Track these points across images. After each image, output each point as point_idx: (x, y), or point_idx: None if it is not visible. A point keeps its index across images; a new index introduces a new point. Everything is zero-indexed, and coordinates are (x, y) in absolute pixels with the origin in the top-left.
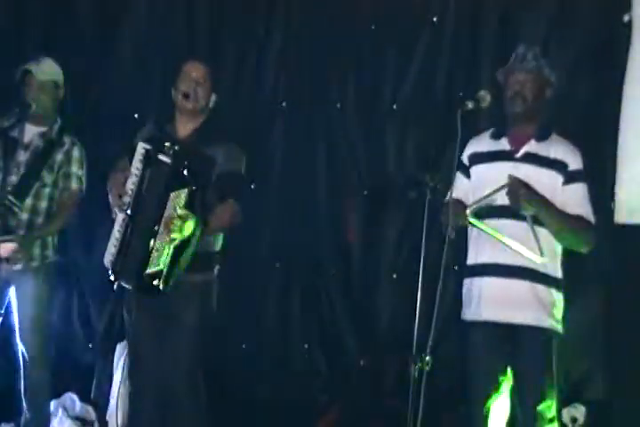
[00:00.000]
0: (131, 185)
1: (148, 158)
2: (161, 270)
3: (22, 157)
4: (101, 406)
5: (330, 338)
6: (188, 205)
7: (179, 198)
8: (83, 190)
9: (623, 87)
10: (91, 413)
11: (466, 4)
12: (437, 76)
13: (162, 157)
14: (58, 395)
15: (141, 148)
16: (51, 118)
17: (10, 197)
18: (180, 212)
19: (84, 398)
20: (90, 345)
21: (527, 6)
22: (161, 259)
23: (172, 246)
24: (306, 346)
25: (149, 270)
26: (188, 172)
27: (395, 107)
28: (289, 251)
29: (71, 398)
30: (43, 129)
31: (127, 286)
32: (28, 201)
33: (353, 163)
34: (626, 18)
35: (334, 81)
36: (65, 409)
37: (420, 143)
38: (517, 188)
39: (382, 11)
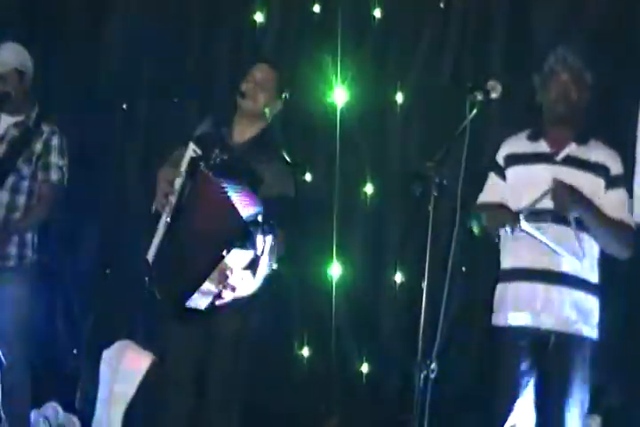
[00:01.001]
0: (176, 186)
1: (193, 165)
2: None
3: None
4: (86, 416)
5: (330, 344)
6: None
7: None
8: (64, 182)
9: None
10: (75, 423)
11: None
12: (445, 65)
13: (201, 167)
14: (39, 404)
15: (191, 150)
16: (25, 107)
17: None
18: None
19: (68, 408)
20: (74, 351)
21: None
22: (203, 298)
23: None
24: (305, 353)
25: (190, 304)
26: None
27: (399, 99)
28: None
29: (54, 408)
30: (18, 118)
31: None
32: (5, 196)
33: (356, 158)
34: None
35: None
36: (47, 419)
37: (426, 137)
38: (564, 191)
39: None
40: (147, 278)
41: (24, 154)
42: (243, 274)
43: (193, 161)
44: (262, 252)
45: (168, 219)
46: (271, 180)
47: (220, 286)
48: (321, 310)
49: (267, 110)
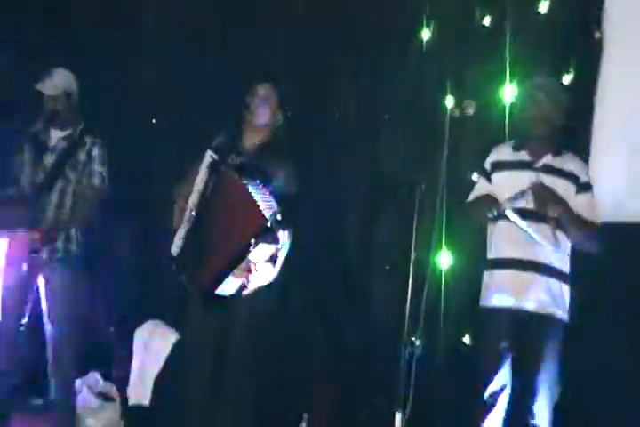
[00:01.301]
0: (197, 187)
1: (213, 167)
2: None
3: (48, 159)
4: (122, 384)
5: (329, 322)
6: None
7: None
8: (105, 187)
9: (594, 99)
10: (113, 390)
11: (449, 21)
12: (427, 88)
13: (223, 169)
14: (82, 374)
15: (208, 156)
16: (72, 122)
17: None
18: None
19: (107, 377)
20: (111, 329)
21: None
22: (230, 287)
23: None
24: (307, 331)
25: (219, 292)
26: None
27: (388, 115)
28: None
29: (95, 377)
30: (66, 132)
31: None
32: (54, 197)
33: (350, 165)
34: (597, 35)
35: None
36: (89, 387)
37: (412, 147)
38: (544, 190)
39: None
40: (174, 269)
41: (70, 162)
42: (265, 266)
43: (212, 164)
44: (282, 246)
45: (193, 212)
46: (283, 180)
47: (246, 277)
48: None
49: (271, 123)
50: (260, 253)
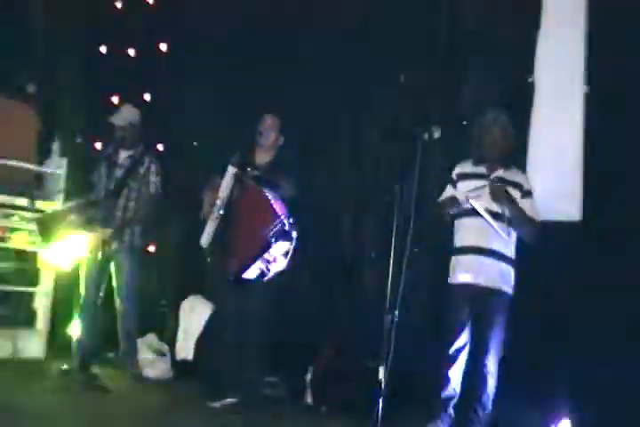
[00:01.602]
0: (222, 193)
1: (236, 178)
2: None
3: (117, 173)
4: (172, 344)
5: (328, 298)
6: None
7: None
8: (159, 194)
9: (529, 131)
10: (165, 347)
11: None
12: (403, 118)
13: (245, 179)
14: (142, 335)
15: (232, 169)
16: (134, 145)
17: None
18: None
19: (160, 338)
20: (163, 301)
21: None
22: (253, 273)
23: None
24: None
25: (245, 276)
26: None
27: (375, 139)
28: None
29: (152, 338)
30: (130, 153)
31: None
32: (121, 202)
33: (347, 175)
34: (529, 79)
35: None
36: (147, 345)
37: (393, 164)
38: (499, 188)
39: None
40: (208, 258)
41: (133, 175)
42: (280, 258)
43: (235, 175)
44: (293, 243)
45: (221, 211)
46: (289, 187)
47: (266, 266)
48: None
49: (275, 144)
50: (278, 249)
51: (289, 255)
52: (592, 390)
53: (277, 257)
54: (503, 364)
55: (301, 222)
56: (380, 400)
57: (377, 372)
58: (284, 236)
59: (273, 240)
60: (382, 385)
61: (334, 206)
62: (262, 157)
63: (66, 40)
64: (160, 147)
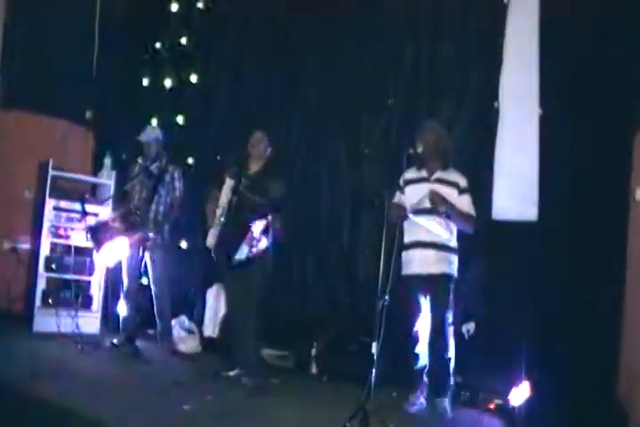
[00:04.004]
0: (223, 201)
1: (233, 189)
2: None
3: (147, 182)
4: (200, 323)
5: (329, 286)
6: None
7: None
8: (182, 198)
9: (495, 146)
10: (194, 326)
11: (404, 97)
12: (391, 134)
13: (240, 189)
14: (175, 316)
15: (229, 182)
16: (161, 157)
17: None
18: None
19: (191, 318)
20: (192, 289)
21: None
22: (242, 253)
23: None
24: (316, 290)
25: (236, 257)
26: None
27: (367, 151)
28: (311, 238)
29: (183, 318)
30: (157, 164)
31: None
32: (153, 207)
33: (344, 183)
34: (495, 104)
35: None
36: (180, 324)
37: (382, 173)
38: (436, 196)
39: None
40: (213, 255)
41: (161, 183)
42: (261, 237)
43: (234, 186)
44: (268, 224)
45: (222, 219)
46: (277, 189)
47: (251, 244)
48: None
49: (265, 154)
50: (257, 228)
51: (269, 234)
52: (545, 358)
53: (259, 236)
54: (475, 339)
55: (310, 223)
56: (373, 371)
57: (370, 347)
58: (260, 217)
59: (251, 221)
60: (375, 358)
61: (334, 208)
62: (255, 166)
63: (116, 74)
64: (190, 160)
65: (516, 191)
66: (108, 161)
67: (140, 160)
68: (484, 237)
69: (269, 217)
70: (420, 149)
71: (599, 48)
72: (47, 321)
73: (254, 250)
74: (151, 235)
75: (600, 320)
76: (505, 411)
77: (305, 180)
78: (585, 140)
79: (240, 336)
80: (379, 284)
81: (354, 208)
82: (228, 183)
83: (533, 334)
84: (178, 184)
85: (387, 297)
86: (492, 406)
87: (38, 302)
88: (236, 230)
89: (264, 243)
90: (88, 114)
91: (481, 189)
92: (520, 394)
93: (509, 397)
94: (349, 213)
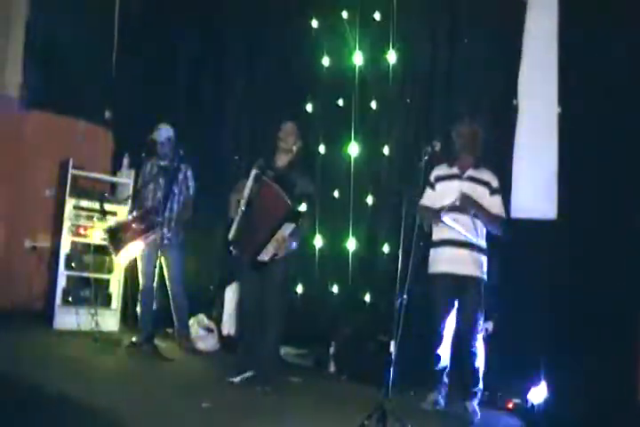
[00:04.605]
0: (245, 193)
1: (256, 179)
2: (265, 262)
3: (161, 181)
4: (219, 321)
5: (347, 283)
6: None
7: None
8: (194, 196)
9: (514, 144)
10: (213, 325)
11: (420, 99)
12: (409, 134)
13: (264, 178)
14: (194, 315)
15: (254, 172)
16: (173, 156)
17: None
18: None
19: (209, 317)
20: (211, 287)
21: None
22: (266, 255)
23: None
24: (334, 289)
25: (260, 258)
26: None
27: (387, 152)
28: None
29: (202, 317)
30: (169, 163)
31: (239, 255)
32: (168, 205)
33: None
34: (514, 102)
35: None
36: (198, 323)
37: (401, 172)
38: (466, 197)
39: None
40: (230, 249)
41: (175, 182)
42: (289, 240)
43: (256, 176)
44: (298, 226)
45: (243, 208)
46: (303, 184)
47: (277, 247)
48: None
49: (293, 148)
50: (285, 231)
51: (296, 236)
52: (564, 358)
53: (286, 238)
54: (493, 339)
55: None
56: (391, 369)
57: (388, 346)
58: (291, 219)
59: (281, 222)
60: (393, 357)
61: (354, 207)
62: (282, 160)
63: (134, 78)
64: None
65: (535, 189)
66: (126, 160)
67: (152, 159)
68: (502, 235)
69: (299, 221)
70: (454, 146)
71: (618, 45)
72: (67, 319)
73: (281, 251)
74: (167, 234)
75: (620, 319)
76: (523, 411)
77: (324, 176)
78: (604, 138)
79: (258, 340)
80: (397, 282)
81: (373, 206)
82: (253, 173)
83: (552, 334)
84: (191, 183)
85: (405, 296)
86: (510, 406)
87: (58, 299)
88: (262, 229)
89: (291, 247)
90: (107, 114)
91: (500, 187)
92: (539, 394)
93: (528, 396)
94: (369, 211)
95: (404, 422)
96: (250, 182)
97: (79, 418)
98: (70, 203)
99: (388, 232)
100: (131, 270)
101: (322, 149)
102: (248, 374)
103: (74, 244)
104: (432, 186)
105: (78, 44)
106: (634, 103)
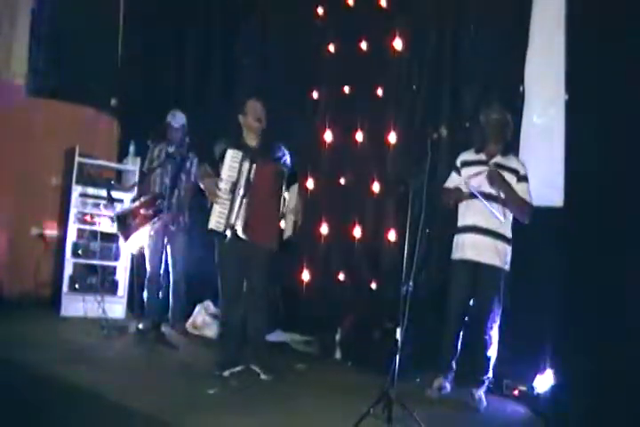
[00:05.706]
0: (228, 175)
1: (243, 159)
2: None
3: (169, 168)
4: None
5: (355, 271)
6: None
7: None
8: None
9: (520, 131)
10: (219, 311)
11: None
12: (416, 119)
13: (257, 159)
14: (201, 301)
15: (235, 153)
16: (183, 143)
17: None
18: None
19: (215, 304)
20: None
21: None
22: (289, 229)
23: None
24: (341, 277)
25: (286, 238)
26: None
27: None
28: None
29: (208, 303)
30: (179, 149)
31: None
32: (175, 192)
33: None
34: (520, 88)
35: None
36: (205, 309)
37: (407, 159)
38: (495, 173)
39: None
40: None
41: (183, 169)
42: (298, 200)
43: (243, 157)
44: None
45: (241, 191)
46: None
47: (295, 214)
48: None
49: (260, 127)
50: (291, 198)
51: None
52: (570, 345)
53: (296, 202)
54: (500, 324)
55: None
56: (397, 356)
57: (394, 332)
58: (291, 182)
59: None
60: (398, 343)
61: (363, 195)
62: (251, 141)
63: (140, 65)
64: None
65: (541, 176)
66: (132, 148)
67: (161, 145)
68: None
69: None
70: (483, 132)
71: (626, 32)
72: (74, 306)
73: (300, 217)
74: (174, 220)
75: (627, 307)
76: (529, 398)
77: (331, 164)
78: (611, 125)
79: (251, 331)
80: (403, 270)
81: (379, 193)
82: (232, 154)
83: (558, 321)
84: (195, 170)
85: (411, 283)
86: (516, 393)
87: (65, 287)
88: (272, 209)
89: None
90: (113, 101)
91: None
92: (545, 381)
93: (534, 384)
94: (375, 199)
95: (410, 409)
96: (231, 164)
97: (84, 404)
98: (77, 190)
99: (394, 219)
100: (137, 258)
101: (328, 135)
102: (238, 368)
103: (80, 231)
104: (458, 171)
105: (84, 31)
106: None
